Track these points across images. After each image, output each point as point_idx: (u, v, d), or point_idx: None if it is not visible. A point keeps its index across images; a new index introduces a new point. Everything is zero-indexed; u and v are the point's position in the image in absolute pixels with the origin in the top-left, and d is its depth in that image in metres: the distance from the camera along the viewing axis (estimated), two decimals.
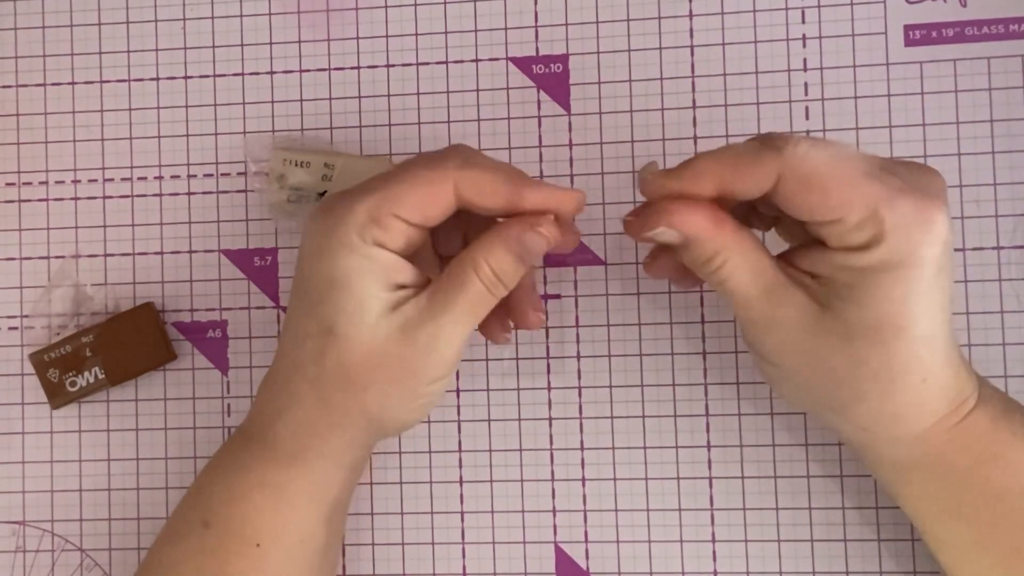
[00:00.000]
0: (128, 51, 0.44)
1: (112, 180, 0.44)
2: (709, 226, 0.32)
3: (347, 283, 0.32)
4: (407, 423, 0.36)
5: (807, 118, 0.41)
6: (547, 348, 0.41)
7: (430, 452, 0.42)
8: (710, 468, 0.40)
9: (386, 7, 0.43)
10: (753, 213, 0.35)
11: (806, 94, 0.41)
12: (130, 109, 0.44)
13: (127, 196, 0.44)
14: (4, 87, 0.45)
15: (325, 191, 0.41)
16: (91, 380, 0.42)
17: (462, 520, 0.41)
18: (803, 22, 0.41)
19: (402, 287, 0.33)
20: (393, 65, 0.43)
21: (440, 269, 0.38)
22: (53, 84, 0.44)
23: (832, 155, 0.30)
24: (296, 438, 0.35)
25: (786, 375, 0.33)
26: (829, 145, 0.31)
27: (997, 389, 0.35)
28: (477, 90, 0.42)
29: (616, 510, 0.41)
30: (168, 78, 0.44)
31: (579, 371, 0.41)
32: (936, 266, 0.30)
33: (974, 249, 0.40)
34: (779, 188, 0.31)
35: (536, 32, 0.42)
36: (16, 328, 0.44)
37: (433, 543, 0.41)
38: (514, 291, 0.35)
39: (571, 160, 0.42)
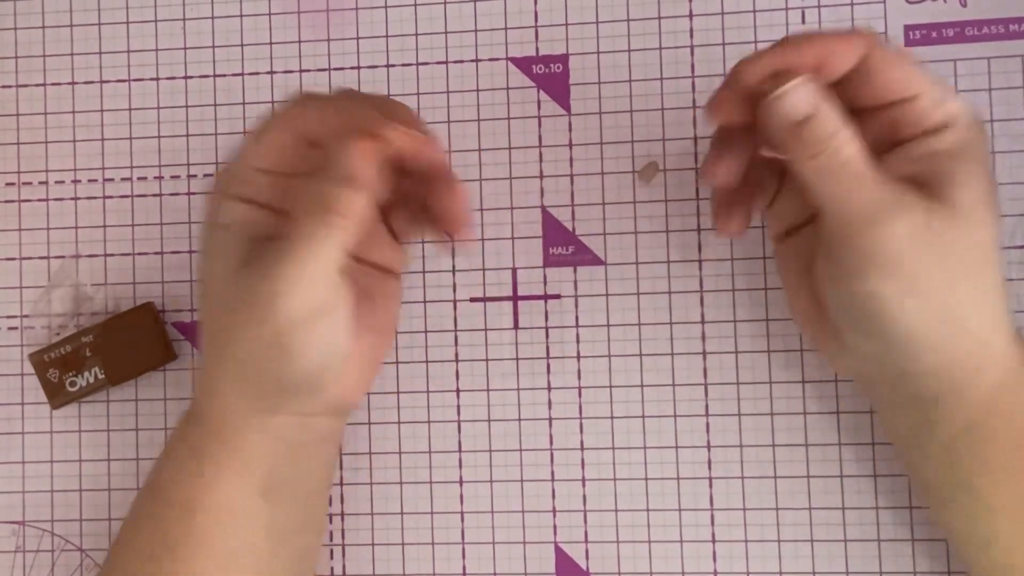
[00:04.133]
0: (128, 51, 0.44)
1: (112, 180, 0.44)
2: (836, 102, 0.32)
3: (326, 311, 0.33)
4: (302, 375, 0.34)
5: None
6: (547, 348, 0.41)
7: (430, 452, 0.42)
8: (710, 468, 0.40)
9: (386, 7, 0.43)
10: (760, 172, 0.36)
11: None
12: (130, 109, 0.44)
13: (127, 196, 0.44)
14: (4, 87, 0.45)
15: None
16: (91, 380, 0.42)
17: (462, 520, 0.41)
18: (803, 22, 0.41)
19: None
20: (393, 65, 0.43)
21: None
22: (53, 84, 0.44)
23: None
24: (216, 410, 0.35)
25: (905, 284, 0.31)
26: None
27: None
28: (477, 90, 0.42)
29: (616, 510, 0.41)
30: (168, 78, 0.44)
31: (579, 371, 0.41)
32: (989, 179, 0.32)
33: None
34: (866, 64, 0.32)
35: (536, 32, 0.42)
36: (16, 328, 0.44)
37: (433, 543, 0.41)
38: (432, 192, 0.35)
39: (571, 160, 0.42)
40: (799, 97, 0.31)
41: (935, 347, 0.33)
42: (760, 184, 0.37)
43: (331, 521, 0.42)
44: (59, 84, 0.44)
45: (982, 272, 0.32)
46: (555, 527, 0.41)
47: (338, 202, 0.32)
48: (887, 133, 0.33)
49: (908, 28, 0.41)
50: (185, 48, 0.44)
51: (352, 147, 0.32)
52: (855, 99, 0.33)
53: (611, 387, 0.41)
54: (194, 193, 0.43)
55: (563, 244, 0.42)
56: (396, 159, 0.34)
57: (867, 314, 0.32)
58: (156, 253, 0.43)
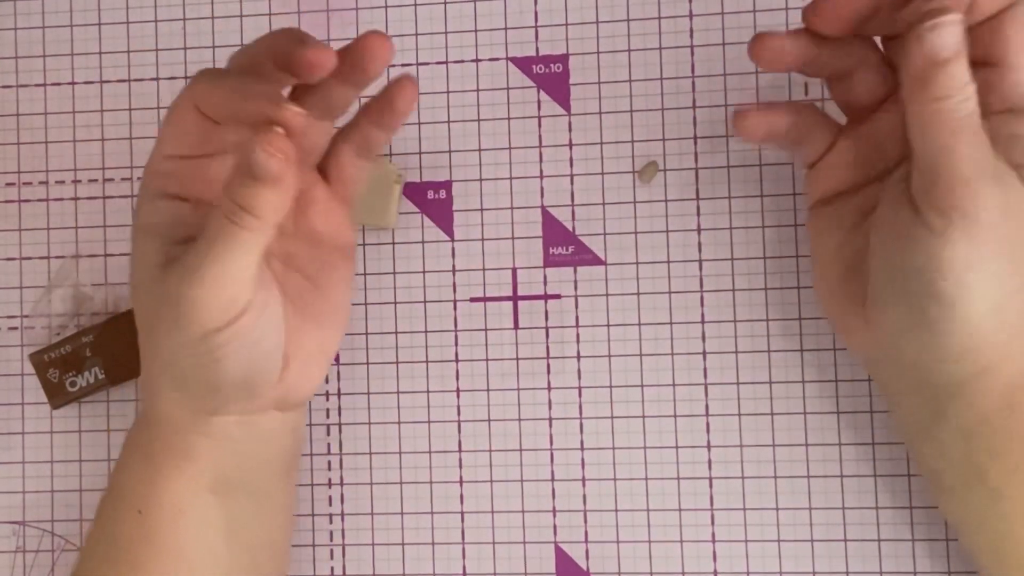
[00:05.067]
0: (128, 51, 0.44)
1: (112, 180, 0.44)
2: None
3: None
4: (232, 379, 0.34)
5: None
6: (547, 348, 0.41)
7: (430, 452, 0.42)
8: (710, 468, 0.40)
9: (386, 7, 0.43)
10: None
11: (806, 94, 0.41)
12: (130, 109, 0.44)
13: (127, 196, 0.44)
14: (4, 87, 0.45)
15: None
16: (91, 380, 0.42)
17: (462, 520, 0.41)
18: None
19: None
20: (393, 65, 0.43)
21: None
22: (53, 84, 0.44)
23: None
24: (158, 413, 0.36)
25: (978, 253, 0.31)
26: None
27: None
28: (477, 90, 0.42)
29: (616, 510, 0.41)
30: (168, 78, 0.44)
31: (579, 371, 0.41)
32: None
33: None
34: (1000, 17, 0.31)
35: (536, 32, 0.42)
36: (16, 328, 0.44)
37: (433, 543, 0.41)
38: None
39: (571, 160, 0.42)
40: (950, 36, 0.30)
41: (974, 329, 0.32)
42: (810, 135, 0.36)
43: (331, 521, 0.42)
44: (59, 84, 0.44)
45: None
46: (555, 527, 0.41)
47: (250, 202, 0.31)
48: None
49: None
50: (185, 48, 0.44)
51: (257, 144, 0.31)
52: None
53: (611, 387, 0.41)
54: None
55: (563, 244, 0.42)
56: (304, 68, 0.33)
57: (924, 279, 0.31)
58: None
